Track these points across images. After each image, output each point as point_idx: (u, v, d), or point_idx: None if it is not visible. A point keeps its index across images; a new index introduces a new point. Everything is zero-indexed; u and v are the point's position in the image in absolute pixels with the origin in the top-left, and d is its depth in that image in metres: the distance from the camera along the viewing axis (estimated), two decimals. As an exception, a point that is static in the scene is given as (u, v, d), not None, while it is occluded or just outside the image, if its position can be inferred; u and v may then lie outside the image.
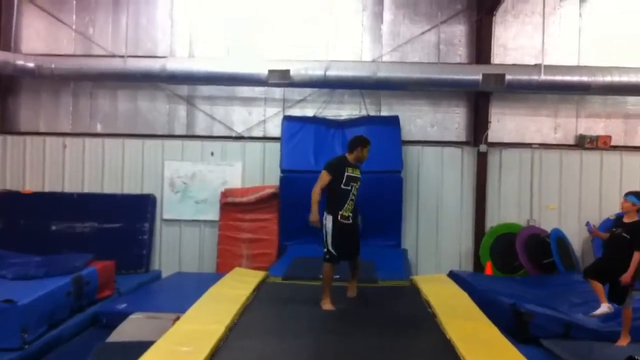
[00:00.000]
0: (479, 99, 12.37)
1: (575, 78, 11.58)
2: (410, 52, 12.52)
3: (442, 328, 5.97)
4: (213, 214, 12.34)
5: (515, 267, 11.76)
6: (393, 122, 12.15)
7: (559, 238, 11.52)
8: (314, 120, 12.30)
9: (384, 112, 12.54)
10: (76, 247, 11.11)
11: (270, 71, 11.59)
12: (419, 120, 12.59)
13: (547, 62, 11.67)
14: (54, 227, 12.07)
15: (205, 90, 12.58)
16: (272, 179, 12.23)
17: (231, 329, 5.82)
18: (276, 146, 12.13)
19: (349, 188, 7.17)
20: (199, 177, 12.47)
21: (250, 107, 12.66)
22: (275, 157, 12.06)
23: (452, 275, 10.67)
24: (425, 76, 11.80)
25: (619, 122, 12.51)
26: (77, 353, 7.06)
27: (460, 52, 12.54)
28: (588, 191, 12.30)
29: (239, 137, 12.57)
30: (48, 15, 12.62)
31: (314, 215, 7.08)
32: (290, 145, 11.86)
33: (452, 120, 12.61)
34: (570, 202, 12.30)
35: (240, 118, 12.64)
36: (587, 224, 8.08)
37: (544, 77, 11.48)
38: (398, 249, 11.67)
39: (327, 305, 7.08)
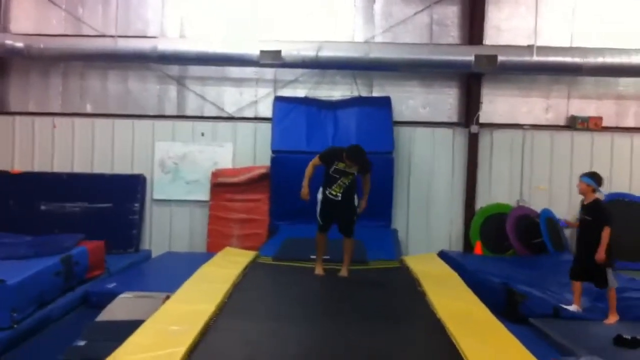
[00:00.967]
0: (471, 80, 12.34)
1: (567, 59, 11.57)
2: (402, 33, 12.45)
3: (433, 308, 5.99)
4: (204, 195, 12.32)
5: (505, 247, 11.80)
6: (385, 103, 12.13)
7: (549, 218, 11.56)
8: (306, 101, 12.25)
9: (376, 93, 12.50)
10: (66, 227, 11.06)
11: (262, 52, 11.52)
12: (411, 101, 12.57)
13: (539, 43, 11.63)
14: (43, 207, 12.02)
15: (196, 70, 12.50)
16: (263, 160, 12.19)
17: (221, 309, 5.81)
18: (267, 127, 12.10)
19: (337, 176, 7.59)
20: (190, 157, 12.42)
21: (242, 87, 12.59)
22: (267, 137, 12.02)
23: (443, 255, 10.70)
24: (418, 57, 11.75)
25: (611, 104, 12.51)
26: (66, 332, 7.03)
27: (452, 33, 12.48)
28: (579, 172, 11.86)
29: (230, 118, 12.52)
30: (37, -6, 12.50)
31: (303, 189, 7.60)
32: (282, 126, 11.83)
33: (444, 101, 12.59)
34: (561, 183, 12.31)
35: (232, 99, 12.58)
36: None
37: (536, 58, 11.46)
38: (388, 229, 11.69)
39: (317, 269, 7.77)
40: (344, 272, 7.70)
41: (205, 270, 7.33)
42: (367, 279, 7.60)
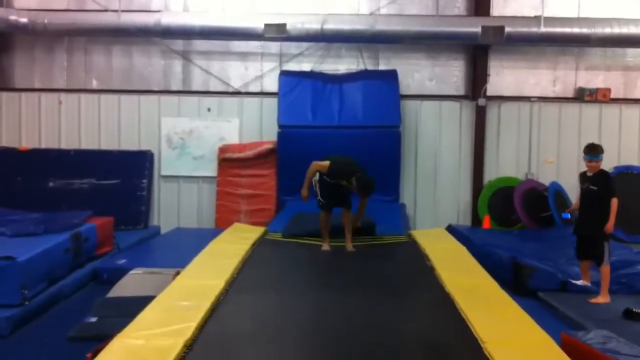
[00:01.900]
0: (477, 52, 12.24)
1: (575, 30, 11.45)
2: (408, 4, 12.33)
3: (441, 282, 5.99)
4: (211, 170, 12.33)
5: (513, 220, 11.80)
6: (391, 77, 12.05)
7: (557, 191, 11.53)
8: (311, 75, 12.19)
9: (382, 66, 12.43)
10: (74, 203, 11.11)
11: (267, 25, 11.43)
12: (417, 74, 12.49)
13: (546, 14, 11.53)
14: (51, 184, 12.06)
15: (200, 45, 12.44)
16: (269, 135, 12.16)
17: (231, 284, 5.84)
18: (273, 101, 12.05)
19: (333, 189, 7.66)
20: (196, 133, 12.40)
21: (247, 62, 12.53)
22: (273, 112, 11.97)
23: (450, 229, 10.71)
24: (423, 29, 11.66)
25: (619, 75, 12.41)
26: (77, 309, 7.10)
27: (458, 4, 12.36)
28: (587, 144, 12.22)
29: (236, 93, 12.48)
30: (40, -30, 12.41)
31: (303, 190, 7.73)
32: (288, 100, 11.78)
33: (451, 74, 12.50)
34: (569, 155, 12.25)
35: (237, 73, 12.52)
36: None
37: (543, 29, 11.36)
38: (396, 203, 11.68)
39: (324, 246, 7.71)
40: (349, 247, 7.68)
41: (215, 246, 7.34)
42: (375, 254, 7.60)
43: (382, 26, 11.59)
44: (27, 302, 6.95)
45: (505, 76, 12.42)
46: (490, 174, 12.37)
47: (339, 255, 7.48)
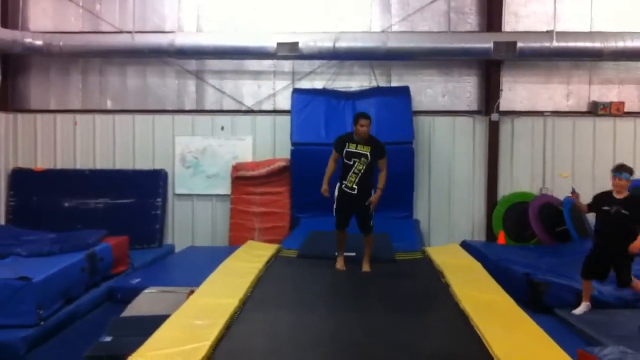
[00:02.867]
0: (490, 67, 12.24)
1: (587, 44, 11.43)
2: (420, 21, 12.38)
3: (457, 299, 5.97)
4: (224, 188, 12.36)
5: (528, 236, 11.73)
6: (403, 93, 12.07)
7: (573, 206, 11.44)
8: (324, 92, 12.23)
9: (394, 83, 12.45)
10: (89, 223, 11.18)
11: (279, 44, 11.51)
12: (430, 90, 12.50)
13: (559, 28, 11.54)
14: (66, 204, 12.14)
15: (214, 64, 12.53)
16: (283, 152, 12.21)
17: (245, 302, 5.84)
18: (286, 119, 12.08)
19: (351, 163, 7.41)
20: (210, 151, 12.46)
21: (260, 80, 12.60)
22: (286, 130, 12.01)
23: (465, 245, 10.65)
24: (436, 45, 11.69)
25: (632, 88, 12.35)
26: (92, 328, 7.10)
27: (470, 20, 12.39)
28: (601, 158, 12.17)
29: (249, 111, 12.54)
30: (55, -8, 12.57)
31: (322, 188, 7.51)
32: (301, 118, 11.82)
33: (464, 89, 12.50)
34: (584, 169, 12.20)
35: (250, 92, 12.59)
36: (572, 190, 7.70)
37: (556, 44, 11.35)
38: (410, 219, 11.66)
39: (338, 264, 7.65)
40: (366, 268, 7.60)
41: (229, 264, 7.35)
42: (389, 271, 7.57)
43: (394, 43, 11.63)
44: (42, 322, 6.97)
45: (518, 91, 12.40)
46: (505, 189, 12.32)
47: (353, 272, 7.45)
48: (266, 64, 12.46)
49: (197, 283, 6.46)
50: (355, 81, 12.45)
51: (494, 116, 12.13)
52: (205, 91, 12.63)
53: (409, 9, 12.37)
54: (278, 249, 8.63)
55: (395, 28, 12.33)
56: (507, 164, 12.34)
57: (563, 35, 11.46)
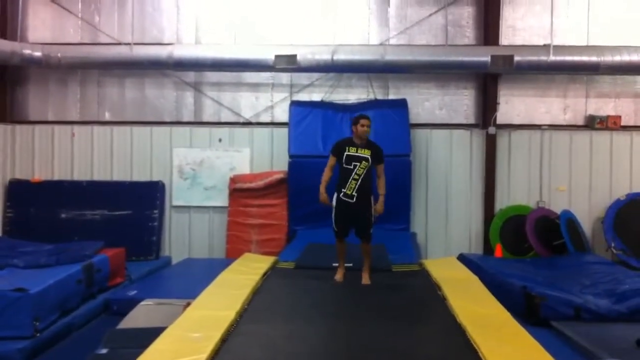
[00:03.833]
0: (487, 80, 12.29)
1: (584, 58, 11.48)
2: (417, 34, 12.43)
3: (453, 312, 5.97)
4: (222, 200, 12.37)
5: (525, 248, 11.74)
6: (401, 106, 12.11)
7: (569, 219, 11.48)
8: (322, 105, 12.26)
9: (392, 96, 12.48)
10: (86, 234, 11.22)
11: (277, 56, 11.55)
12: (427, 103, 12.53)
13: (556, 42, 11.59)
14: (63, 215, 12.14)
15: (212, 76, 12.57)
16: (280, 165, 12.23)
17: (242, 315, 5.83)
18: (284, 131, 12.11)
19: (351, 167, 7.36)
20: (208, 163, 12.47)
21: (258, 92, 12.63)
22: (284, 142, 12.05)
23: (462, 258, 10.65)
24: (433, 58, 11.73)
25: (629, 102, 12.39)
26: (88, 340, 7.08)
27: (468, 33, 12.44)
28: (598, 172, 12.22)
29: (247, 123, 12.56)
30: (54, 4, 12.58)
31: (320, 195, 7.46)
32: (298, 130, 11.85)
33: (461, 102, 12.54)
34: (580, 183, 12.23)
35: (248, 104, 12.62)
36: None
37: (553, 58, 11.41)
38: (407, 232, 11.67)
39: (337, 276, 7.62)
40: (365, 280, 7.55)
41: (225, 277, 7.34)
42: (386, 283, 7.56)
43: (392, 56, 11.67)
44: (38, 334, 6.95)
45: (515, 104, 12.44)
46: (502, 202, 12.33)
47: (350, 285, 7.44)
48: (264, 76, 12.50)
49: (194, 295, 6.46)
50: (353, 94, 12.49)
51: (491, 129, 12.16)
52: (203, 103, 12.66)
53: (406, 22, 12.42)
54: (275, 261, 8.63)
55: (393, 41, 12.38)
56: (504, 177, 12.36)
57: (560, 49, 11.51)
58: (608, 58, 11.38)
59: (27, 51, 11.88)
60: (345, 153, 7.39)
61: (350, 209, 7.40)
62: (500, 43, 12.16)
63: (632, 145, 12.25)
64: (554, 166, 12.33)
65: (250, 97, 12.63)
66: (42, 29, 12.70)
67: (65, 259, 8.60)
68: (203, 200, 12.49)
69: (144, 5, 12.59)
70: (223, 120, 12.62)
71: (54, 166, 12.67)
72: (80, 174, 12.63)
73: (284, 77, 12.50)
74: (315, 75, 12.34)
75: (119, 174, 12.60)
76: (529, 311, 8.06)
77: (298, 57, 11.54)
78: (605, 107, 12.37)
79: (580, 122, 12.41)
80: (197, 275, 9.23)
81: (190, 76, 12.59)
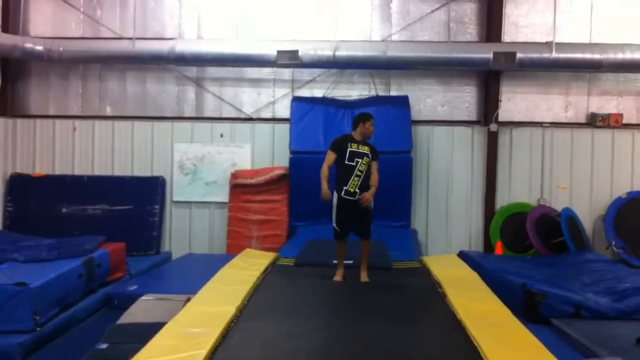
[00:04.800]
0: (489, 77, 12.26)
1: (586, 55, 11.45)
2: (419, 31, 12.41)
3: (453, 309, 5.97)
4: (223, 196, 12.36)
5: (526, 246, 11.74)
6: (403, 102, 12.09)
7: (570, 217, 11.47)
8: (323, 101, 12.25)
9: (394, 92, 12.47)
10: (87, 229, 11.20)
11: (279, 52, 11.53)
12: (429, 99, 12.51)
13: (558, 39, 11.57)
14: (64, 210, 12.14)
15: (213, 71, 12.55)
16: (281, 161, 12.22)
17: (242, 310, 5.84)
18: (285, 127, 12.10)
19: (353, 164, 7.37)
20: (209, 158, 12.46)
21: (259, 88, 12.61)
22: (285, 138, 12.03)
23: (462, 255, 10.65)
24: (435, 55, 11.70)
25: (631, 100, 12.36)
26: (88, 335, 7.09)
27: (470, 30, 12.41)
28: (599, 170, 12.20)
29: (248, 119, 12.55)
30: (56, -2, 12.60)
31: (323, 191, 7.35)
32: (300, 126, 11.83)
33: (463, 99, 12.52)
34: (582, 181, 12.22)
35: (249, 99, 12.61)
36: None
37: (555, 55, 11.39)
38: (408, 229, 11.66)
39: (337, 276, 7.54)
40: (364, 278, 7.55)
41: (226, 272, 7.35)
42: (386, 280, 7.57)
43: (394, 52, 11.65)
44: (38, 328, 6.95)
45: (517, 102, 12.41)
46: (503, 200, 12.31)
47: (350, 282, 7.45)
48: (266, 72, 12.48)
49: (194, 291, 6.46)
50: (354, 90, 12.46)
51: (493, 126, 12.15)
52: (205, 98, 12.65)
53: (409, 19, 12.39)
54: (275, 257, 8.64)
55: (395, 37, 12.36)
56: (506, 174, 12.35)
57: (562, 46, 11.50)
58: (611, 56, 11.36)
59: (28, 45, 11.86)
60: (348, 149, 7.39)
61: (352, 206, 7.38)
62: (502, 40, 12.13)
63: (634, 144, 12.23)
64: (555, 164, 12.31)
65: (251, 92, 12.61)
66: (44, 23, 12.68)
67: (66, 254, 8.60)
68: (204, 196, 12.48)
69: (146, -1, 12.59)
70: (224, 115, 12.60)
71: (54, 160, 12.67)
72: (81, 169, 12.63)
73: (286, 73, 12.48)
74: (317, 71, 12.32)
75: (120, 169, 12.60)
76: (529, 309, 8.05)
77: (300, 53, 11.52)
78: (607, 105, 12.34)
79: (582, 119, 12.38)
80: (198, 271, 9.24)
81: (192, 71, 12.57)
